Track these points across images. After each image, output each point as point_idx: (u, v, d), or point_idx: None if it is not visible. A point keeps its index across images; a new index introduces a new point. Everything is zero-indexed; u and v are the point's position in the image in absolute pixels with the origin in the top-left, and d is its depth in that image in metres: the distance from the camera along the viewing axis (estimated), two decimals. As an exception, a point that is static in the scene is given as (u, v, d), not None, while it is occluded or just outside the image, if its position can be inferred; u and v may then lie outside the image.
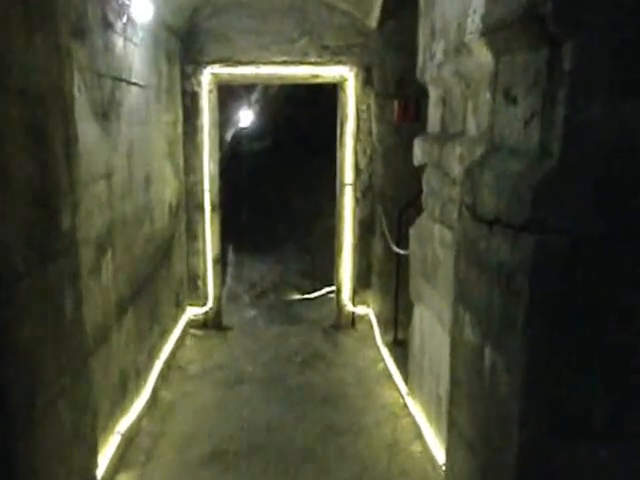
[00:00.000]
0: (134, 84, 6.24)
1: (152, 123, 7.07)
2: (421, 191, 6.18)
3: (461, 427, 3.17)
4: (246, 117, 15.66)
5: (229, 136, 14.66)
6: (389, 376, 7.47)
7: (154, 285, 7.11)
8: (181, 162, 8.71)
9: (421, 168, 5.94)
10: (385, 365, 7.78)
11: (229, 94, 12.00)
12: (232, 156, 15.76)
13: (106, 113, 5.29)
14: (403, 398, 6.72)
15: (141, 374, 6.51)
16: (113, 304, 5.47)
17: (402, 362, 7.16)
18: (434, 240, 5.34)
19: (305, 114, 15.12)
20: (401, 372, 7.12)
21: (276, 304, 11.56)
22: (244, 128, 16.08)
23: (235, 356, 8.40)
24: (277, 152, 16.50)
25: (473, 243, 2.91)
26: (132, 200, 6.14)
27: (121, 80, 5.77)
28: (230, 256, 15.92)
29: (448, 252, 4.91)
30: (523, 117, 2.54)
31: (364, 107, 8.91)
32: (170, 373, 7.60)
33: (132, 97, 6.17)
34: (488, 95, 4.01)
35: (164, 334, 7.68)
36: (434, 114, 5.70)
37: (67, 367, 3.70)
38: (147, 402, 6.48)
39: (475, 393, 2.93)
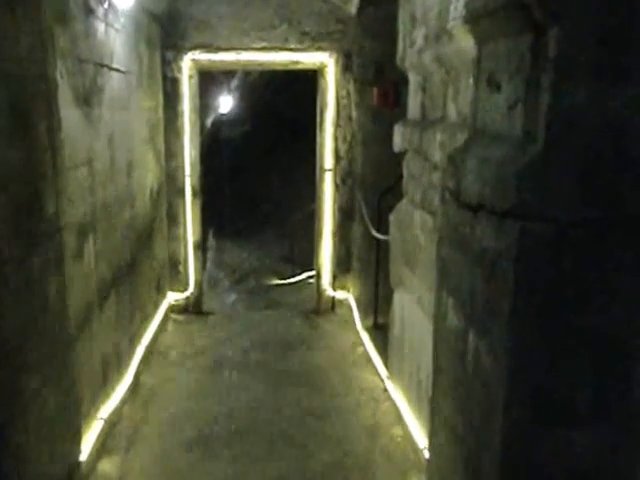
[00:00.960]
0: (115, 70, 6.18)
1: (133, 109, 7.01)
2: (401, 177, 6.17)
3: (445, 412, 3.16)
4: (226, 103, 15.55)
5: (209, 122, 14.57)
6: (369, 360, 7.47)
7: (135, 270, 7.07)
8: (162, 148, 8.65)
9: (401, 154, 5.92)
10: (365, 349, 7.78)
11: (209, 80, 11.92)
12: (212, 142, 15.64)
13: (88, 99, 5.23)
14: (383, 382, 6.71)
15: (122, 359, 6.47)
16: (95, 290, 5.42)
17: (382, 346, 7.16)
18: (415, 225, 5.33)
19: (285, 100, 15.05)
20: (381, 356, 7.12)
21: (256, 289, 11.54)
22: (224, 114, 15.97)
23: (216, 341, 8.37)
24: (257, 138, 16.44)
25: (456, 228, 2.89)
26: (114, 186, 6.08)
27: (103, 66, 5.71)
28: (210, 241, 15.89)
29: (429, 237, 4.90)
30: (506, 103, 2.52)
31: (344, 93, 8.88)
32: (151, 358, 7.56)
33: (114, 83, 6.11)
34: (470, 81, 4.00)
35: (145, 319, 7.64)
36: (414, 100, 5.68)
37: (52, 353, 3.67)
38: (129, 387, 6.45)
39: (458, 378, 2.91)
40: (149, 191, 7.82)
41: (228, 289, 11.64)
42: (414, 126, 5.43)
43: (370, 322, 8.19)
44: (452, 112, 4.50)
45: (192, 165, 8.97)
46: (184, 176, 8.94)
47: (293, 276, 12.70)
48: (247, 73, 14.23)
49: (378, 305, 8.02)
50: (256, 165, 16.26)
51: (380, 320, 8.02)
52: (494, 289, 2.44)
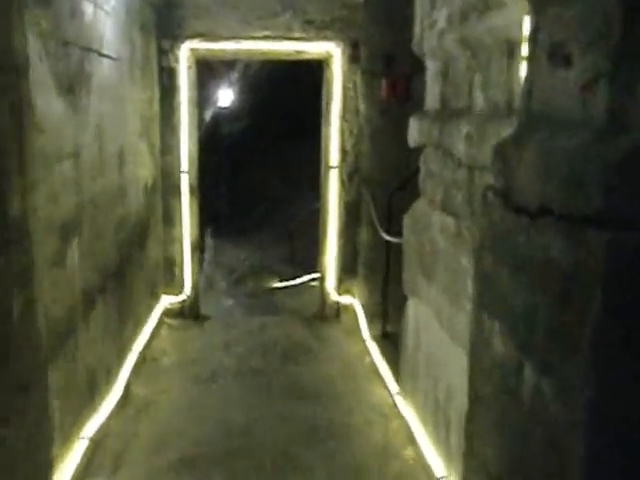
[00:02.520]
0: (106, 56, 5.67)
1: (125, 99, 6.50)
2: (412, 174, 5.80)
3: (483, 456, 2.62)
4: (226, 96, 14.91)
5: (208, 116, 14.00)
6: (377, 372, 6.95)
7: (128, 273, 6.57)
8: (157, 142, 8.13)
9: (417, 150, 5.44)
10: (372, 360, 7.25)
11: (208, 72, 11.41)
12: (211, 137, 15.16)
13: (73, 86, 4.73)
14: (393, 397, 6.21)
15: (112, 370, 5.98)
16: (79, 297, 4.92)
17: (391, 357, 6.70)
18: (433, 228, 4.82)
19: (287, 94, 14.61)
20: (390, 368, 6.64)
21: (255, 292, 10.99)
22: (224, 108, 15.34)
23: (212, 348, 7.84)
24: (258, 133, 15.97)
25: (505, 237, 2.36)
26: (103, 181, 5.58)
27: (91, 51, 5.20)
28: (208, 241, 15.59)
29: (450, 242, 4.40)
30: (580, 80, 2.00)
31: (351, 85, 8.35)
32: (144, 367, 7.05)
33: (103, 70, 5.61)
34: (505, 63, 3.50)
35: (138, 325, 7.14)
36: (432, 89, 5.18)
37: (17, 380, 3.15)
38: (118, 401, 5.95)
39: (506, 419, 2.38)
40: (142, 188, 7.31)
41: (226, 292, 11.11)
42: (433, 118, 4.92)
43: (378, 330, 7.67)
44: (480, 101, 4.00)
45: (189, 161, 8.44)
46: (180, 173, 8.41)
47: (293, 278, 12.21)
48: (248, 65, 13.68)
49: (387, 313, 7.51)
50: (256, 161, 15.82)
51: (389, 329, 7.52)
52: (566, 315, 1.91)
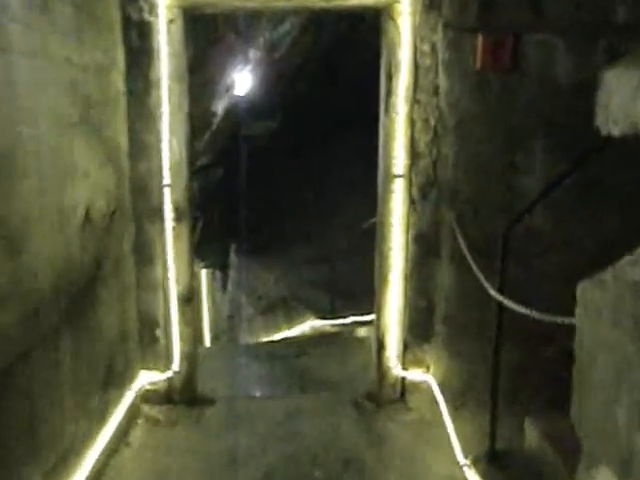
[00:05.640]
0: None
1: (14, 53, 3.30)
2: (544, 192, 3.79)
3: None
4: (243, 81, 11.39)
5: (220, 107, 10.70)
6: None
7: (35, 375, 3.42)
8: (122, 140, 4.92)
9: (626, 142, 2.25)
10: (474, 503, 4.02)
11: (216, 44, 8.21)
12: (229, 134, 12.76)
13: None
14: None
15: None
16: None
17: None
18: None
19: (326, 83, 12.43)
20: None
21: (281, 352, 7.60)
22: (242, 96, 12.00)
23: (209, 468, 4.63)
24: (288, 133, 13.32)
25: None
26: None
27: None
28: (232, 258, 13.77)
29: None
30: None
31: (426, 48, 5.04)
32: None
33: None
34: None
35: (69, 454, 3.96)
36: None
37: None
38: None
39: None
40: (81, 216, 4.10)
41: (243, 353, 7.95)
42: None
43: (481, 443, 4.33)
44: None
45: (175, 168, 5.15)
46: (161, 187, 5.18)
47: (334, 314, 9.27)
48: (272, 47, 10.42)
49: (497, 414, 4.23)
50: (286, 167, 13.21)
51: (500, 445, 4.24)
52: None
